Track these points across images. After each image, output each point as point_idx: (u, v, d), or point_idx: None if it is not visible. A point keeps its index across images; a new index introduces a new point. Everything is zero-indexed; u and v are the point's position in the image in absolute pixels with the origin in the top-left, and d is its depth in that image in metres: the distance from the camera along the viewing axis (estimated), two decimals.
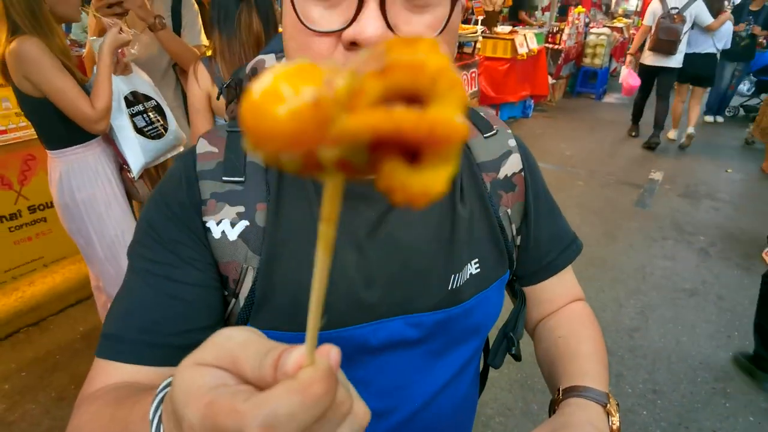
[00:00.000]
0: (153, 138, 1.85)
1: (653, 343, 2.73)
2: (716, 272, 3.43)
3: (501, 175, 0.70)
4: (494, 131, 0.72)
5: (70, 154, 1.76)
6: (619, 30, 9.37)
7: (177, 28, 2.31)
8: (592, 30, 8.28)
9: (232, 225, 0.58)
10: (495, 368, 0.80)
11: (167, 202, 0.59)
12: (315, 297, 0.27)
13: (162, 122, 1.94)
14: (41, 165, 2.79)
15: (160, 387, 0.40)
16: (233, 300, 0.60)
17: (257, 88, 0.21)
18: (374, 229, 0.60)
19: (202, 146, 0.62)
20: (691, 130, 5.81)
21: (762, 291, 2.41)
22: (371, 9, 0.44)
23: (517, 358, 0.78)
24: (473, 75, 5.91)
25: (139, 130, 1.80)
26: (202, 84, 1.58)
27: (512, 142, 0.73)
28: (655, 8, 5.34)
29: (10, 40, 1.57)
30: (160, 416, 0.38)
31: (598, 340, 0.74)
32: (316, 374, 0.25)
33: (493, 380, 2.37)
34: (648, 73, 5.67)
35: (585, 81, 8.34)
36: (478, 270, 0.66)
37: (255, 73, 0.82)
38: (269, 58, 0.83)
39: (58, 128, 1.70)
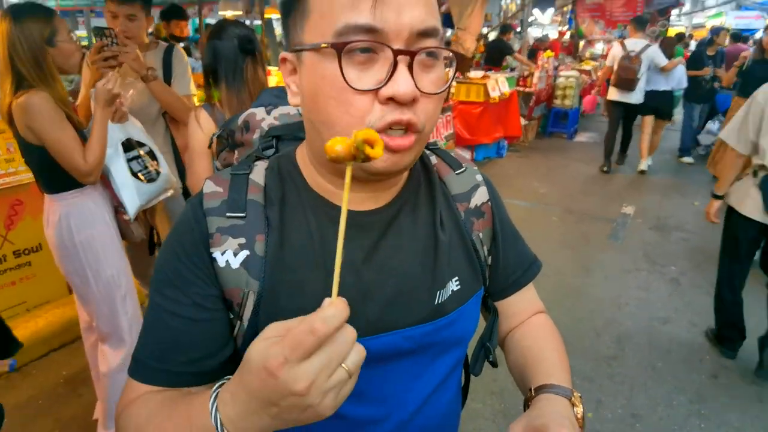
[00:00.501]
0: (147, 181, 1.93)
1: (630, 369, 2.82)
2: (687, 300, 3.58)
3: (472, 204, 0.81)
4: (464, 168, 0.83)
5: (70, 197, 1.83)
6: (587, 72, 9.86)
7: (168, 78, 2.43)
8: (561, 73, 8.71)
9: (235, 255, 0.66)
10: (475, 375, 0.88)
11: (181, 242, 0.68)
12: (338, 261, 0.49)
13: (155, 167, 2.03)
14: (28, 210, 2.84)
15: (217, 384, 0.56)
16: (238, 322, 0.68)
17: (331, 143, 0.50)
18: (369, 255, 0.69)
19: (209, 187, 0.71)
20: (649, 161, 6.66)
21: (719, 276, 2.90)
22: (403, 71, 0.56)
23: (494, 364, 0.86)
24: (448, 118, 6.17)
25: (134, 174, 1.89)
26: (205, 129, 1.67)
27: (479, 177, 0.84)
28: (615, 51, 6.23)
29: (19, 93, 1.67)
30: (216, 407, 0.53)
31: (559, 345, 0.84)
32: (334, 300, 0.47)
33: (477, 411, 2.43)
34: (614, 108, 6.40)
35: (556, 121, 8.71)
36: (459, 287, 0.75)
37: (247, 126, 0.92)
38: (260, 111, 0.93)
39: (60, 174, 1.78)
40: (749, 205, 2.62)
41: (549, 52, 8.95)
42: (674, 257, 4.27)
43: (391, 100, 0.57)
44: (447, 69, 0.65)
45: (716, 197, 2.85)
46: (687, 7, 33.17)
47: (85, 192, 1.87)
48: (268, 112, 0.93)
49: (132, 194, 1.87)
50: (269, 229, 0.68)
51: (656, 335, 3.15)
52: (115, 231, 1.92)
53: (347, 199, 0.51)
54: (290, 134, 0.84)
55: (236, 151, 0.96)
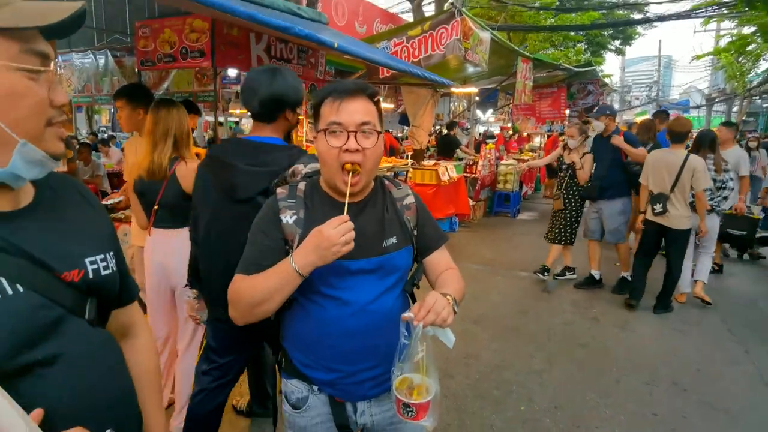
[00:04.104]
0: None
1: (554, 378, 3.56)
2: (604, 331, 4.42)
3: (404, 202, 1.61)
4: (402, 188, 1.66)
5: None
6: (525, 161, 11.29)
7: None
8: (502, 162, 10.05)
9: (290, 218, 1.47)
10: (408, 291, 1.60)
11: (266, 212, 1.49)
12: (345, 209, 1.33)
13: None
14: None
15: (290, 255, 1.35)
16: (290, 249, 1.46)
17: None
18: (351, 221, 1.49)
19: (279, 191, 1.53)
20: None
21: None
22: (351, 138, 1.38)
23: (417, 286, 1.62)
24: None
25: None
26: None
27: (409, 191, 1.66)
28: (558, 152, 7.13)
29: (187, 160, 2.59)
30: (291, 257, 1.34)
31: (457, 284, 1.56)
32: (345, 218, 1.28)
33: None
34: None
35: (501, 202, 9.90)
36: (395, 241, 1.53)
37: (293, 173, 1.73)
38: (300, 166, 1.75)
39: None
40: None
41: (491, 145, 10.34)
42: (594, 300, 5.16)
43: (347, 150, 1.38)
44: (378, 137, 1.47)
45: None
46: (616, 107, 37.01)
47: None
48: (305, 166, 1.75)
49: None
50: (305, 207, 1.49)
51: (577, 358, 3.94)
52: None
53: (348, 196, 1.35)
54: (313, 174, 1.65)
55: (278, 189, 1.76)
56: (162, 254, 2.64)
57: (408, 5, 11.88)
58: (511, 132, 14.28)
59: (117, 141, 11.24)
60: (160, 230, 2.65)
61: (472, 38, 5.30)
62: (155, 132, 2.60)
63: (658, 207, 4.67)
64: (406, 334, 1.36)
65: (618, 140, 5.25)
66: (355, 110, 1.39)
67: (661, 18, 14.57)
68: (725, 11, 15.13)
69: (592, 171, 5.49)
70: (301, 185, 1.54)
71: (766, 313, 5.00)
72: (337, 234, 1.26)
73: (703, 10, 15.14)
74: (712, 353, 4.06)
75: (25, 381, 0.79)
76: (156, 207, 2.62)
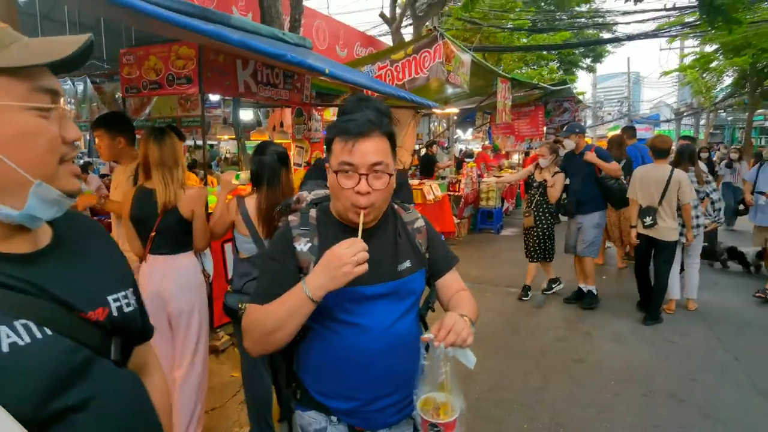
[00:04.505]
0: None
1: (552, 395, 3.57)
2: (597, 345, 4.46)
3: (415, 226, 1.62)
4: (411, 211, 1.66)
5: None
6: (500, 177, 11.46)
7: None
8: (483, 179, 10.17)
9: (304, 245, 1.46)
10: (423, 315, 1.61)
11: (280, 239, 1.48)
12: (359, 232, 1.33)
13: None
14: None
15: (302, 280, 1.33)
16: (303, 277, 1.45)
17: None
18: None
19: (292, 218, 1.51)
20: None
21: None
22: (363, 180, 1.37)
23: (432, 309, 1.62)
24: None
25: None
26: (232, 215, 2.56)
27: (419, 215, 1.66)
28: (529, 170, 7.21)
29: (185, 187, 2.64)
30: (303, 280, 1.32)
31: (471, 304, 1.57)
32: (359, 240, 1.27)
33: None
34: None
35: (484, 219, 9.99)
36: (409, 265, 1.53)
37: (299, 200, 1.73)
38: (304, 193, 1.74)
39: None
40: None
41: (471, 163, 10.49)
42: (586, 315, 5.21)
43: (359, 192, 1.38)
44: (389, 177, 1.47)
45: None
46: (589, 122, 37.96)
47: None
48: (309, 192, 1.73)
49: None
50: (319, 234, 1.48)
51: (573, 372, 3.96)
52: None
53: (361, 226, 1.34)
54: (320, 201, 1.63)
55: (292, 214, 1.75)
56: (159, 281, 2.60)
57: (384, 28, 12.07)
58: (491, 150, 14.53)
59: (95, 167, 11.05)
60: (157, 257, 2.63)
61: (454, 61, 5.40)
62: (164, 161, 2.61)
63: (648, 220, 4.86)
64: (425, 355, 1.36)
65: (591, 156, 5.38)
66: (368, 151, 1.37)
67: (630, 37, 15.14)
68: (688, 30, 15.79)
69: (566, 187, 5.63)
70: (313, 212, 1.53)
71: (748, 319, 5.11)
72: (348, 253, 1.25)
73: (668, 29, 15.78)
74: (703, 363, 4.12)
75: (58, 429, 0.75)
76: (153, 234, 2.61)
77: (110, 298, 0.90)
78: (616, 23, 16.74)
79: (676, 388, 3.66)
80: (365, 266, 1.27)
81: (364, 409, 1.46)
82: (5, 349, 0.70)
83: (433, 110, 6.16)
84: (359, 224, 1.37)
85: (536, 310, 5.45)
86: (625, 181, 5.47)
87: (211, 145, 17.06)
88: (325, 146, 1.52)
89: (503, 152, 13.26)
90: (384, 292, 1.45)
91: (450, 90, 8.26)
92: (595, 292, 5.53)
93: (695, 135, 26.23)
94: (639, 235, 5.07)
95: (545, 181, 5.53)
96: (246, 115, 8.93)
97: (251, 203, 2.64)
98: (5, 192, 0.76)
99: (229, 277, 4.54)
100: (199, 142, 10.49)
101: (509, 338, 4.62)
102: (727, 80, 21.64)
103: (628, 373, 3.91)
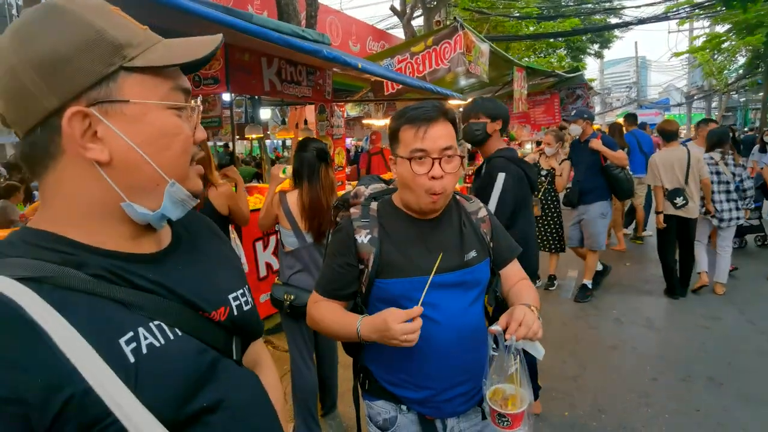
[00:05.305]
0: None
1: (590, 382, 3.57)
2: (629, 332, 4.46)
3: (479, 216, 1.63)
4: (473, 201, 1.67)
5: None
6: None
7: None
8: None
9: (365, 237, 1.47)
10: (491, 305, 1.63)
11: (341, 233, 1.50)
12: (426, 286, 1.33)
13: None
14: None
15: (361, 317, 1.38)
16: (366, 270, 1.47)
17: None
18: (427, 237, 1.49)
19: (353, 211, 1.53)
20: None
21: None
22: (436, 164, 1.39)
23: (499, 298, 1.63)
24: None
25: None
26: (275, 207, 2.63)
27: (481, 204, 1.66)
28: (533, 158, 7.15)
29: (216, 184, 2.77)
30: (360, 322, 1.37)
31: (533, 293, 1.58)
32: (417, 323, 1.26)
33: None
34: None
35: None
36: (476, 254, 1.54)
37: (356, 195, 1.74)
38: (362, 188, 1.74)
39: None
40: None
41: None
42: (613, 303, 5.21)
43: (433, 177, 1.39)
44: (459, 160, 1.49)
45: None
46: (598, 108, 37.65)
47: None
48: (366, 187, 1.74)
49: None
50: (380, 226, 1.49)
51: (607, 358, 3.96)
52: None
53: (434, 271, 1.36)
54: (379, 195, 1.64)
55: (350, 209, 1.70)
56: None
57: (394, 20, 12.05)
58: (507, 140, 14.46)
59: None
60: None
61: (474, 51, 5.39)
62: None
63: (680, 200, 4.93)
64: (494, 346, 1.37)
65: (597, 143, 5.15)
66: (438, 136, 1.39)
67: (641, 21, 14.90)
68: (699, 11, 15.59)
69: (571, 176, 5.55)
70: (374, 205, 1.54)
71: None
72: (400, 331, 1.25)
73: (677, 10, 15.58)
74: (738, 346, 4.11)
75: (194, 431, 0.74)
76: None
77: (230, 297, 0.89)
78: (624, 7, 16.54)
79: (714, 372, 3.65)
80: (416, 339, 1.28)
81: (436, 399, 1.48)
82: (144, 350, 0.70)
83: (455, 101, 6.13)
84: (429, 278, 1.37)
85: (564, 299, 5.44)
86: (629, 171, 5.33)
87: (225, 145, 17.13)
88: (389, 138, 1.53)
89: (518, 142, 13.20)
90: (453, 282, 1.46)
91: (463, 81, 8.24)
92: (589, 286, 5.37)
93: (707, 117, 25.92)
94: (666, 218, 5.07)
95: (553, 169, 5.46)
96: (264, 114, 8.99)
97: (293, 198, 2.68)
98: (141, 191, 0.75)
99: (261, 275, 4.63)
100: (214, 143, 10.58)
101: (543, 328, 4.61)
102: (741, 60, 21.36)
103: (664, 359, 3.91)
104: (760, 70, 19.18)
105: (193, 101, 0.82)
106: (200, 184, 0.85)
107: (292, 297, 2.66)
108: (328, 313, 1.49)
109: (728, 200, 5.20)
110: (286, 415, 1.16)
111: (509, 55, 10.83)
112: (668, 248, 5.25)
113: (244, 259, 3.36)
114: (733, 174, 5.20)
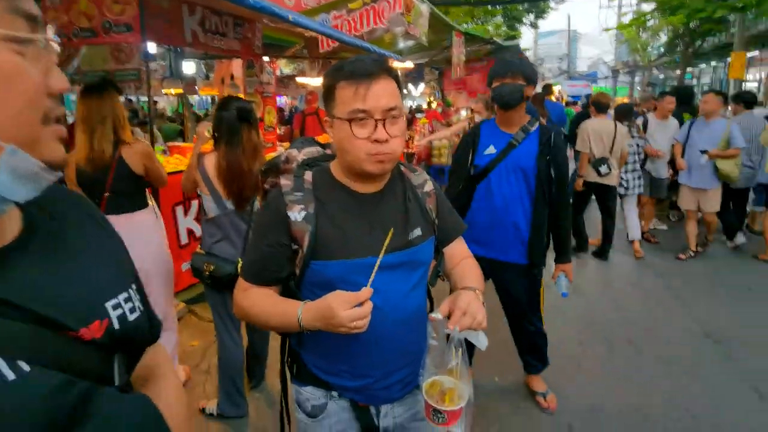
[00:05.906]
0: None
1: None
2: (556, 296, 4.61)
3: (424, 189, 1.48)
4: (419, 173, 1.51)
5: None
6: (458, 135, 11.44)
7: None
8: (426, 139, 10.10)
9: (299, 214, 1.30)
10: (432, 285, 1.49)
11: (271, 208, 1.32)
12: (377, 265, 1.18)
13: None
14: None
15: (302, 303, 1.22)
16: (300, 251, 1.31)
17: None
18: (371, 213, 1.33)
19: (284, 182, 1.34)
20: None
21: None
22: (380, 126, 1.21)
23: (441, 276, 1.52)
24: None
25: None
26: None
27: (427, 177, 1.51)
28: (463, 125, 7.32)
29: (130, 142, 2.58)
30: (300, 310, 1.21)
31: (477, 272, 1.48)
32: (367, 307, 1.13)
33: None
34: None
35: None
36: (420, 233, 1.40)
37: (287, 160, 1.54)
38: (294, 152, 1.54)
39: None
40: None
41: (423, 119, 10.37)
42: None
43: (376, 141, 1.23)
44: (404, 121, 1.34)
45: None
46: None
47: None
48: (299, 151, 1.54)
49: None
50: (316, 200, 1.33)
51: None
52: None
53: (383, 251, 1.22)
54: (314, 162, 1.45)
55: (281, 179, 1.49)
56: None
57: None
58: (443, 106, 14.47)
59: None
60: (115, 217, 2.53)
61: (413, 11, 5.18)
62: (91, 119, 2.46)
63: (604, 168, 5.26)
64: (434, 334, 1.27)
65: None
66: (382, 94, 1.22)
67: None
68: None
69: None
70: (308, 175, 1.36)
71: (691, 267, 5.44)
72: (348, 318, 1.12)
73: None
74: (657, 312, 4.35)
75: None
76: (107, 194, 2.55)
77: (109, 305, 0.68)
78: None
79: (634, 337, 3.85)
80: (365, 326, 1.15)
81: (374, 387, 1.38)
82: None
83: (396, 64, 5.92)
84: (379, 259, 1.23)
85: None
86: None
87: (129, 100, 16.01)
88: (323, 96, 1.33)
89: (454, 108, 13.22)
90: (395, 263, 1.32)
91: (402, 44, 8.02)
92: None
93: (630, 92, 27.29)
94: (586, 183, 5.45)
95: None
96: (189, 67, 8.33)
97: (210, 161, 2.44)
98: None
99: (182, 242, 4.32)
100: (137, 98, 9.79)
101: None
102: (663, 38, 22.44)
103: (587, 323, 4.08)
104: (678, 49, 20.22)
105: (47, 35, 0.58)
106: (61, 151, 0.61)
107: (212, 267, 2.45)
108: (260, 301, 1.31)
109: (633, 170, 5.71)
110: (193, 427, 0.99)
111: (449, 20, 10.68)
112: (580, 210, 5.77)
113: (163, 231, 3.06)
114: (638, 146, 5.72)
